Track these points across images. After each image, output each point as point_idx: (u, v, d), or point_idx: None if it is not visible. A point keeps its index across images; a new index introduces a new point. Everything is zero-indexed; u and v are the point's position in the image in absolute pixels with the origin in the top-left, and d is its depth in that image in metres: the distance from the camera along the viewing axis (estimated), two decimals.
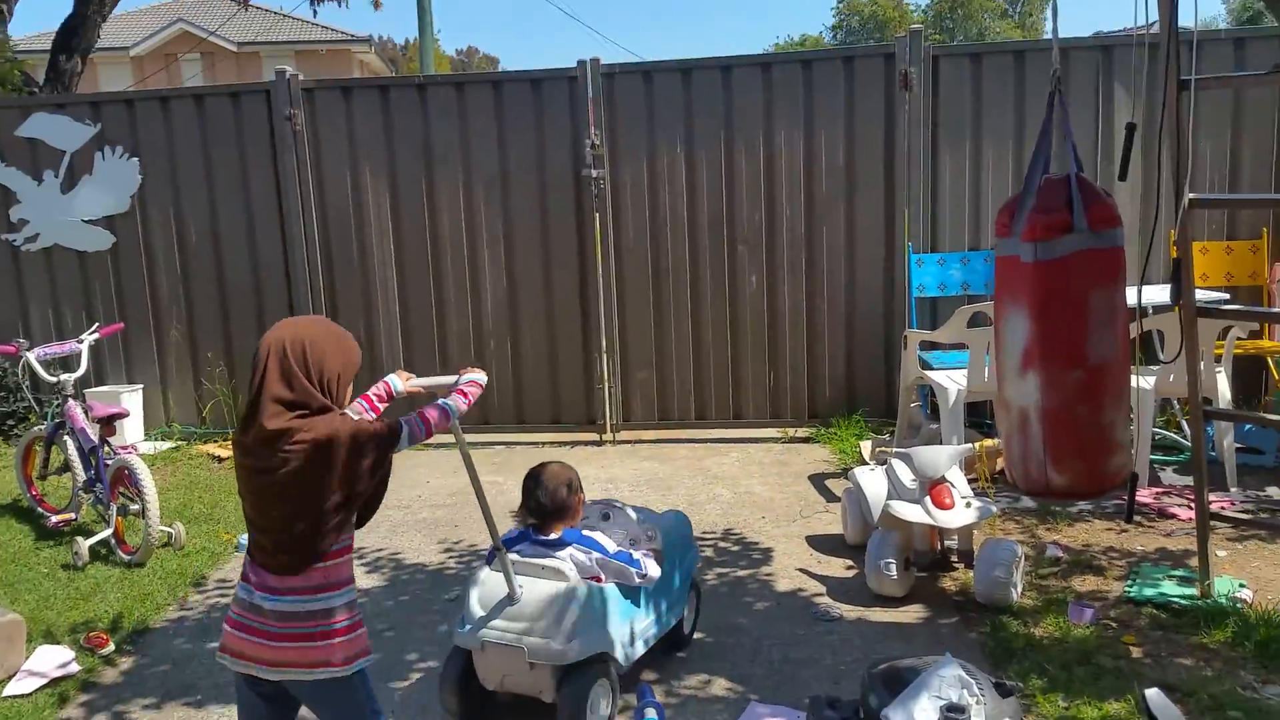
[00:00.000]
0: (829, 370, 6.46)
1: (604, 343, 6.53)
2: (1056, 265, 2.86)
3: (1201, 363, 4.92)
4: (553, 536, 3.30)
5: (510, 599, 3.11)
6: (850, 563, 4.45)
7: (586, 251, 6.51)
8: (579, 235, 6.51)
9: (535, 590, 3.13)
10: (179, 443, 6.94)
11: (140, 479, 4.77)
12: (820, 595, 4.17)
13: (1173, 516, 4.77)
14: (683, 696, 3.42)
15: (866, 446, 5.84)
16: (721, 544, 4.78)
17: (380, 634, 4.03)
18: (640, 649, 3.34)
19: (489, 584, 3.19)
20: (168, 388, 7.09)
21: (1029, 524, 4.76)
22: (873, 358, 6.39)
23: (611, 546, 3.34)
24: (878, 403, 6.35)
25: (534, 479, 3.35)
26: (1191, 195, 3.57)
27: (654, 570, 3.37)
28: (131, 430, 6.78)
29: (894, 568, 3.96)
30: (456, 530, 5.17)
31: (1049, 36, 3.76)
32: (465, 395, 2.80)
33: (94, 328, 5.63)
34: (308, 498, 2.24)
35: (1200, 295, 5.50)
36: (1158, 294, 5.46)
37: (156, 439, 7.05)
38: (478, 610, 3.17)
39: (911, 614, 3.94)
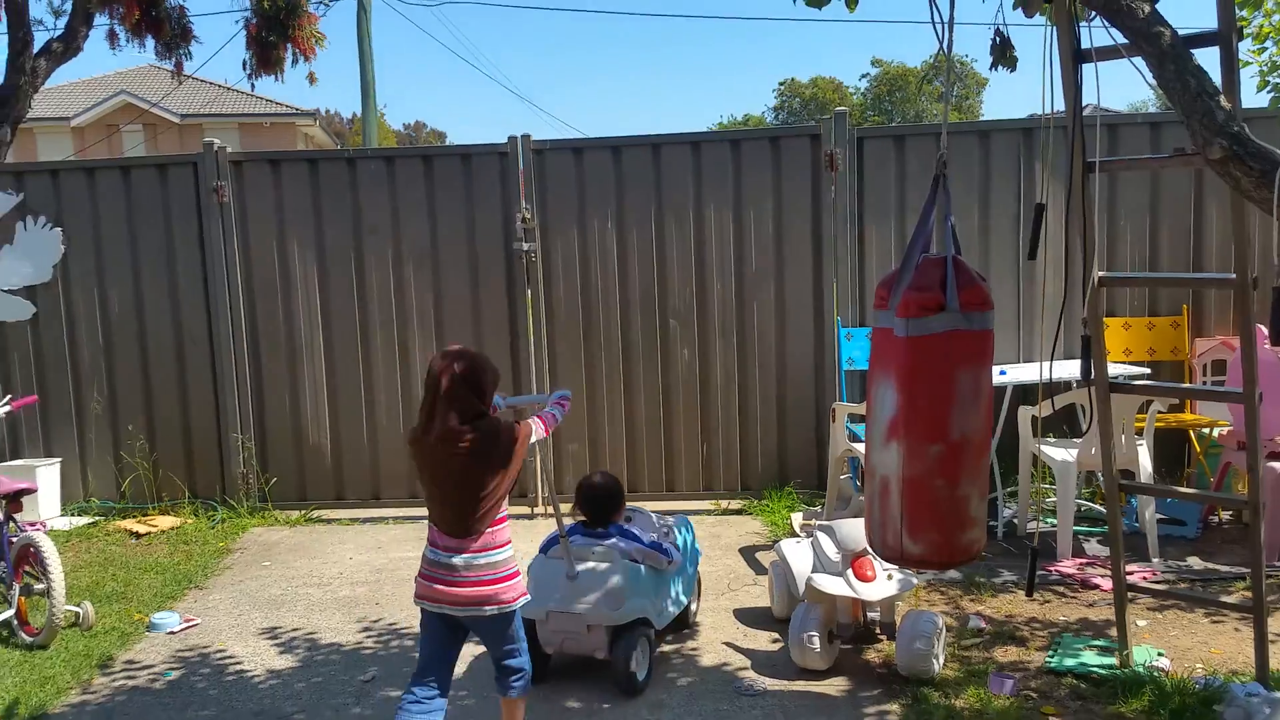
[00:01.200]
0: (761, 442, 6.48)
1: None
2: (926, 342, 2.94)
3: (1123, 436, 5.08)
4: (599, 530, 4.14)
5: (569, 576, 3.92)
6: (776, 636, 4.40)
7: (518, 324, 6.52)
8: (510, 308, 6.51)
9: (589, 569, 3.96)
10: (96, 518, 6.71)
11: (46, 557, 4.58)
12: (745, 669, 4.11)
13: (1095, 587, 4.81)
14: None
15: (797, 518, 5.84)
16: None
17: (289, 716, 3.90)
18: (668, 618, 4.17)
19: (547, 567, 4.02)
20: (87, 461, 6.88)
21: (953, 595, 4.77)
22: (804, 430, 6.43)
23: (646, 538, 4.17)
24: (809, 474, 6.37)
25: (589, 487, 4.24)
26: (1101, 274, 3.68)
27: (678, 556, 4.25)
28: (47, 505, 6.56)
29: (817, 640, 3.93)
30: (377, 608, 5.03)
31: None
32: (562, 406, 3.55)
33: (6, 399, 5.46)
34: (479, 479, 3.07)
35: (1123, 370, 5.70)
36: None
37: (73, 514, 6.81)
38: (539, 587, 3.93)
39: (835, 687, 3.90)
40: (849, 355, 6.17)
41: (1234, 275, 3.29)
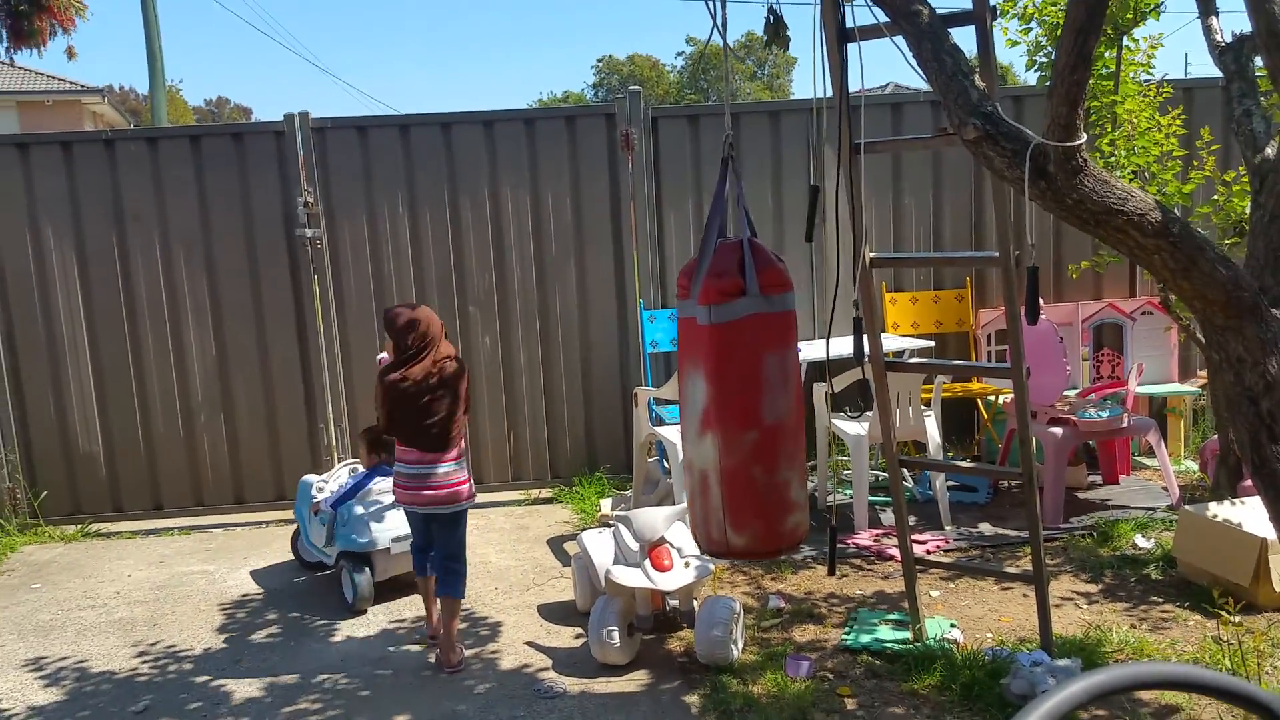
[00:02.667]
0: (569, 428, 6.34)
1: (330, 410, 6.14)
2: (731, 328, 2.87)
3: (910, 408, 5.22)
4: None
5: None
6: (580, 631, 4.29)
7: (305, 316, 6.11)
8: (296, 299, 6.09)
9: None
10: None
11: None
12: (545, 670, 3.98)
13: (891, 558, 4.92)
14: None
15: (607, 504, 5.75)
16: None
17: None
18: None
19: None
20: None
21: (755, 574, 4.79)
22: (611, 414, 6.33)
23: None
24: (618, 459, 6.28)
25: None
26: (872, 254, 3.72)
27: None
28: None
29: (616, 635, 3.84)
30: (155, 630, 4.63)
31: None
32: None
33: None
34: (456, 398, 3.97)
35: (908, 343, 5.87)
36: (885, 346, 5.74)
37: None
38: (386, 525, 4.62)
39: (635, 681, 3.82)
40: (652, 338, 6.11)
41: (998, 254, 3.37)
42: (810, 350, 5.63)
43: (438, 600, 4.14)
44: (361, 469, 4.96)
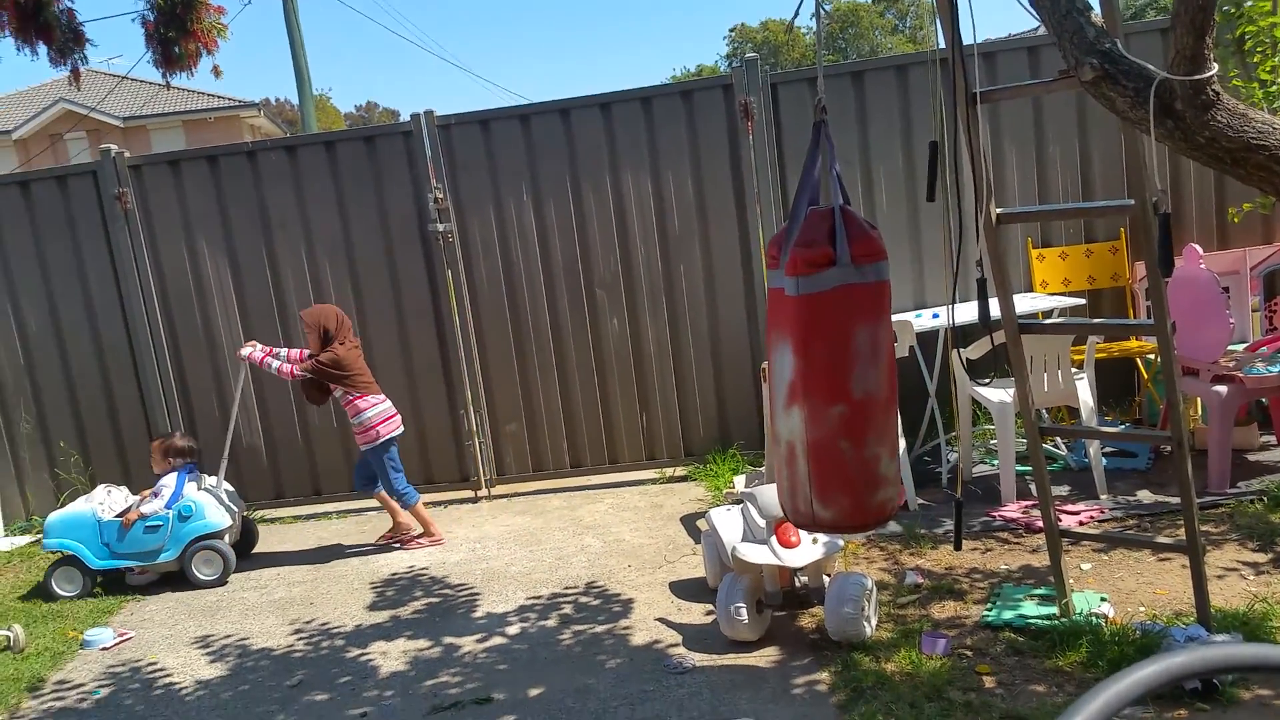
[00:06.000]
0: (700, 406, 6.32)
1: (469, 397, 6.33)
2: (818, 300, 2.76)
3: (1059, 371, 4.95)
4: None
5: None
6: (710, 608, 4.28)
7: (441, 307, 6.32)
8: (432, 291, 6.31)
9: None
10: (38, 535, 6.54)
11: None
12: (676, 646, 3.99)
13: (1040, 530, 4.69)
14: None
15: (739, 481, 5.70)
16: (583, 599, 4.59)
17: None
18: None
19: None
20: (24, 480, 6.72)
21: (892, 550, 4.65)
22: (742, 389, 6.27)
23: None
24: (751, 435, 6.23)
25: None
26: (999, 210, 3.52)
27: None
28: None
29: (744, 612, 3.81)
30: (311, 608, 4.92)
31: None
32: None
33: None
34: None
35: (1056, 301, 5.55)
36: (1029, 306, 5.46)
37: (15, 534, 6.67)
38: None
39: (765, 658, 3.79)
40: None
41: (1131, 201, 3.13)
42: (945, 315, 5.41)
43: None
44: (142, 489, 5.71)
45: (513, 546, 5.43)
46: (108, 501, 5.63)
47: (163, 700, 4.10)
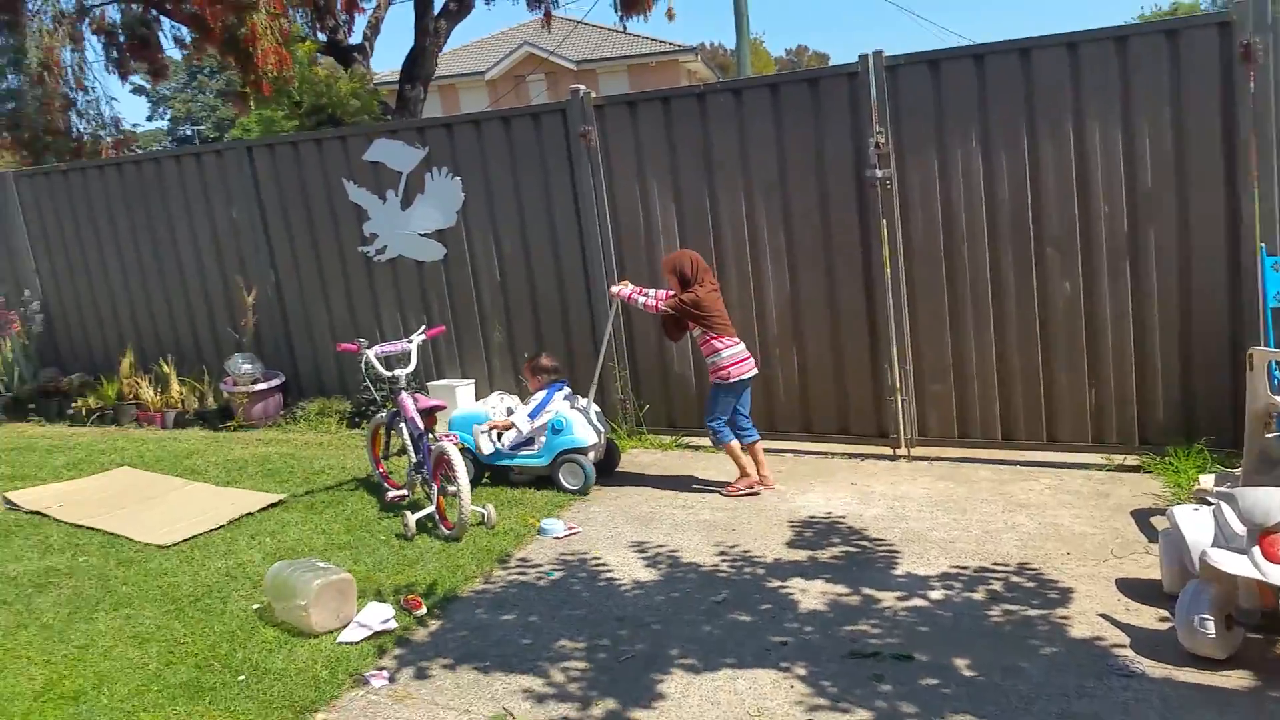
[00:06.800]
0: (1162, 390, 5.66)
1: (894, 353, 6.22)
2: None
3: None
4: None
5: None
6: (1165, 614, 3.90)
7: (872, 257, 6.20)
8: (863, 239, 6.21)
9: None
10: None
11: (454, 464, 5.29)
12: (1121, 647, 3.69)
13: None
14: None
15: (1208, 480, 5.07)
16: (1014, 579, 4.37)
17: (647, 625, 4.17)
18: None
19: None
20: (494, 382, 7.65)
21: None
22: (1216, 377, 5.51)
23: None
24: (1224, 430, 5.45)
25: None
26: None
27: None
28: None
29: (1211, 625, 3.42)
30: (734, 535, 5.18)
31: None
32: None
33: (421, 330, 6.24)
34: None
35: None
36: None
37: None
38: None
39: (1233, 679, 3.39)
40: (1276, 290, 5.18)
41: None
42: None
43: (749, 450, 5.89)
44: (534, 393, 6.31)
45: (934, 511, 5.31)
46: (499, 406, 6.41)
47: (605, 592, 4.56)
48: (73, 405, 9.23)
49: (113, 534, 5.85)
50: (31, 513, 6.38)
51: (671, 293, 5.81)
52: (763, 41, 42.55)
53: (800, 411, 6.66)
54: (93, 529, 5.96)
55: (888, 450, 6.37)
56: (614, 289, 6.13)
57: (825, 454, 6.50)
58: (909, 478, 5.92)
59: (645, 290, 6.01)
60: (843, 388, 6.49)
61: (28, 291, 9.78)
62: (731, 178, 6.53)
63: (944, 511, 5.29)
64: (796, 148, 6.31)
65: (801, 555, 4.83)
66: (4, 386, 9.71)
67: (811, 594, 4.37)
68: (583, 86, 7.01)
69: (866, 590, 4.36)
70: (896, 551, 4.79)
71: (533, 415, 6.18)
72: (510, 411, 6.35)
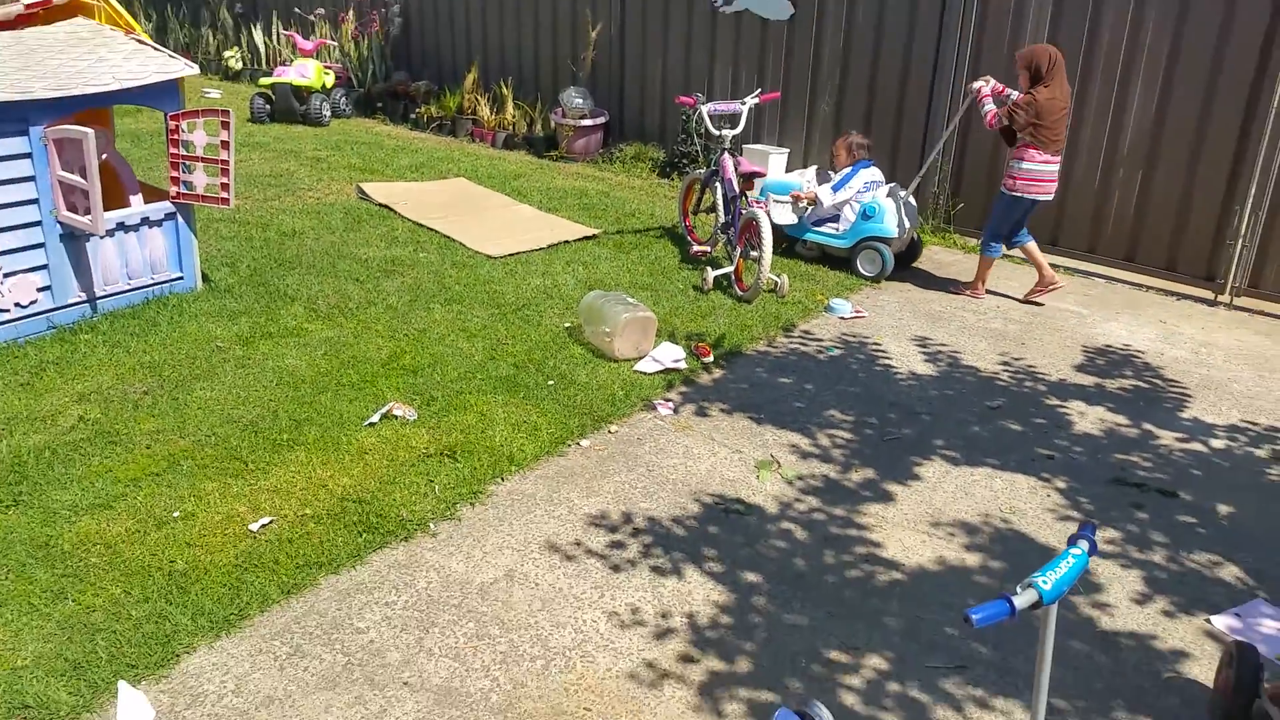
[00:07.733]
0: None
1: (1251, 194, 5.73)
2: None
3: None
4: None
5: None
6: None
7: (1263, 85, 5.60)
8: (1260, 65, 5.62)
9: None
10: None
11: (762, 231, 5.49)
12: None
13: None
14: None
15: None
16: None
17: (917, 416, 4.43)
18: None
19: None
20: (810, 156, 7.73)
21: None
22: None
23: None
24: None
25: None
26: None
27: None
28: None
29: None
30: (1021, 348, 5.23)
31: None
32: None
33: (756, 92, 6.39)
34: None
35: None
36: None
37: None
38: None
39: None
40: None
41: None
42: None
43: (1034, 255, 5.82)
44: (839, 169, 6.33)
45: (1239, 364, 5.11)
46: (814, 180, 6.52)
47: (881, 377, 4.82)
48: (416, 110, 10.15)
49: (448, 237, 6.51)
50: (380, 205, 7.20)
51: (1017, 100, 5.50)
52: None
53: (1127, 239, 6.38)
54: (431, 229, 6.66)
55: (1209, 294, 6.07)
56: (975, 84, 5.77)
57: (1141, 286, 6.26)
58: (1224, 326, 5.65)
59: (1004, 91, 5.72)
60: (1184, 221, 6.13)
61: None
62: None
63: (1251, 366, 5.09)
64: None
65: (1088, 380, 4.86)
66: (357, 82, 10.75)
67: (1089, 418, 4.45)
68: None
69: (1147, 425, 4.40)
70: (1189, 395, 4.72)
71: (836, 188, 6.25)
72: (812, 187, 6.45)
